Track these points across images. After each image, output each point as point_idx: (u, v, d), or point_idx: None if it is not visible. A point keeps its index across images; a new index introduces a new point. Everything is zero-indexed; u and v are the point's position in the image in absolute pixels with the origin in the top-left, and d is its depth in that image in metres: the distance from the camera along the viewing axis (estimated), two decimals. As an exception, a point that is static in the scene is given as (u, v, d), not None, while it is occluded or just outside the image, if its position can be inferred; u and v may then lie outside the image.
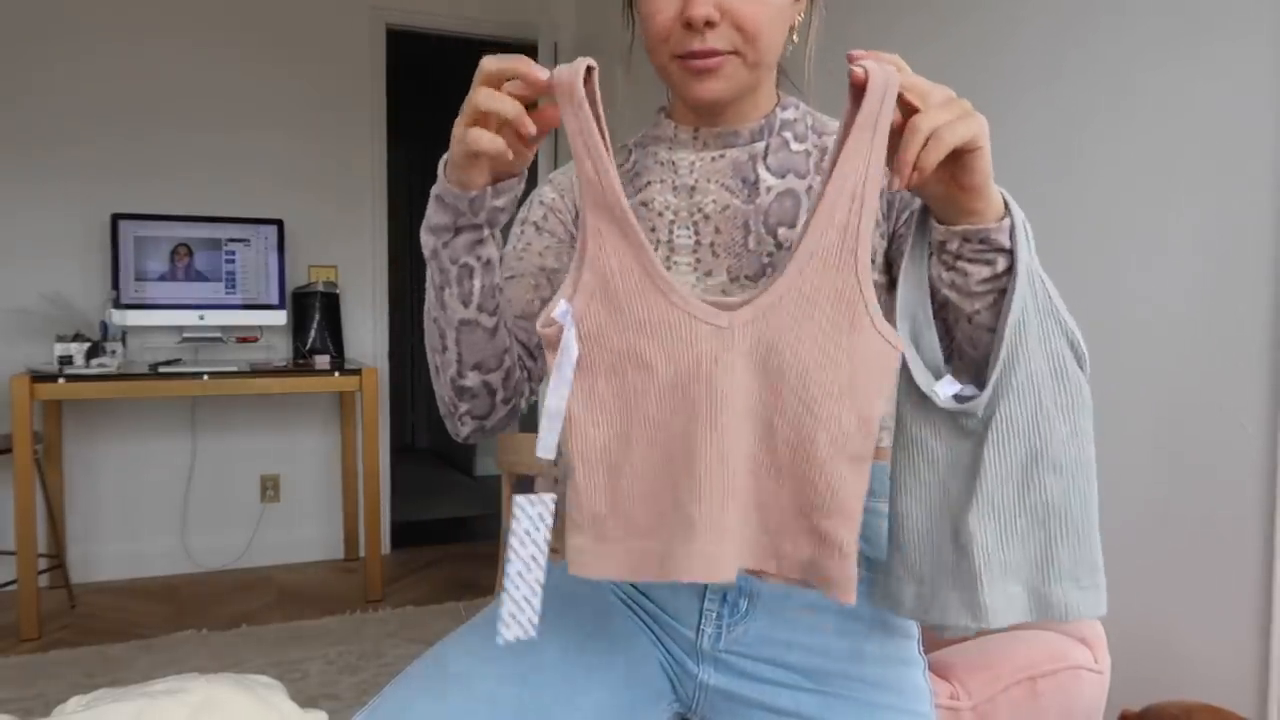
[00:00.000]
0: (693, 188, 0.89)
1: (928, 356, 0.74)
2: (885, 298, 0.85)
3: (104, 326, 3.19)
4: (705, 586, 0.86)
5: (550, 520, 0.70)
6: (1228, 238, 1.52)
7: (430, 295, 0.81)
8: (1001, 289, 0.71)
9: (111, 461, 3.47)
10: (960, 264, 0.71)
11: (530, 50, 3.73)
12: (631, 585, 0.92)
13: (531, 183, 3.66)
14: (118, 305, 3.20)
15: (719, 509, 0.67)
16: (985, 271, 0.70)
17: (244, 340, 3.50)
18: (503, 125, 0.69)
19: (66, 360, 2.97)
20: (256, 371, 3.15)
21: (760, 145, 0.89)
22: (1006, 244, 0.69)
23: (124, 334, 3.24)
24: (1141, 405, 1.67)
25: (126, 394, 2.98)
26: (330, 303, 3.51)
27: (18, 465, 2.78)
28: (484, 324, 0.80)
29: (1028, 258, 0.70)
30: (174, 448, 3.55)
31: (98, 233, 3.37)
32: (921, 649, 0.88)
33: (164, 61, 3.46)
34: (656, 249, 0.88)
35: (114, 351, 3.07)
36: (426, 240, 0.78)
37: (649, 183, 0.91)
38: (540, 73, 0.67)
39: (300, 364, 3.34)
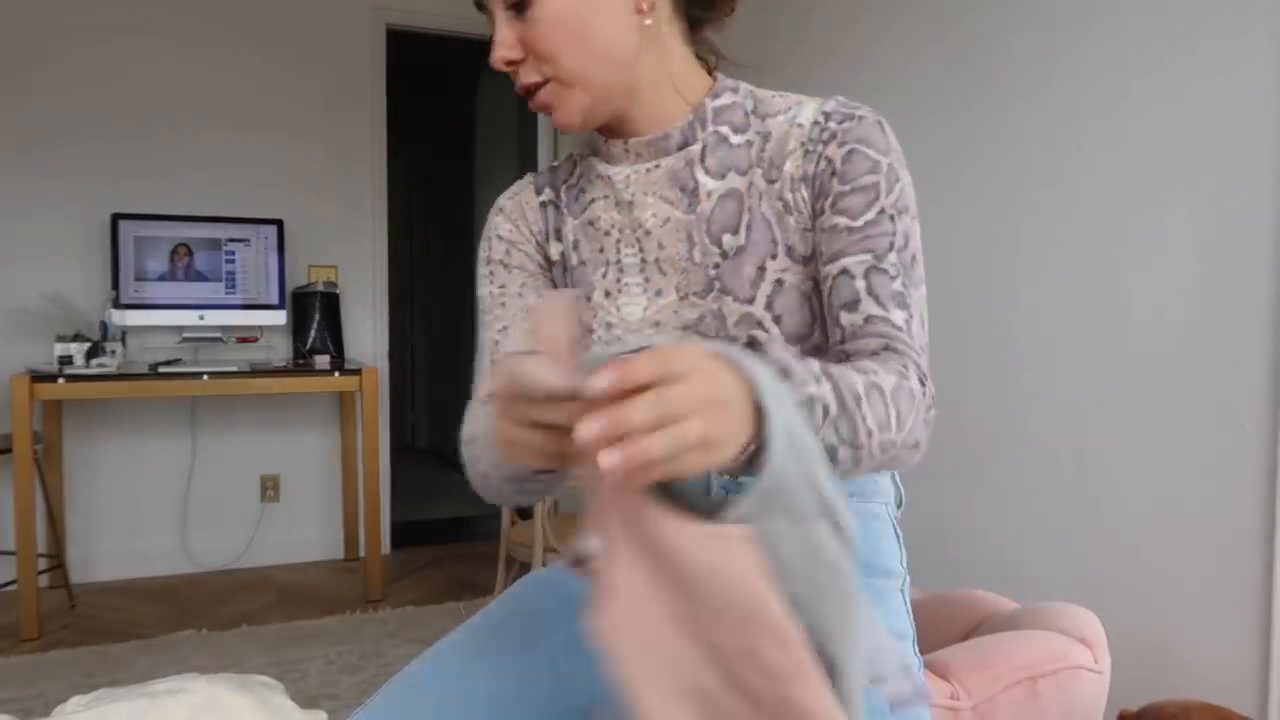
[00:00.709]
0: (631, 203, 0.85)
1: None
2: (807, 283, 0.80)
3: (104, 326, 3.19)
4: None
5: None
6: (1227, 238, 1.52)
7: (491, 476, 0.78)
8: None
9: (111, 461, 3.47)
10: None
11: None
12: None
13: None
14: (118, 305, 3.20)
15: None
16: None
17: (244, 340, 3.50)
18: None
19: (66, 360, 2.97)
20: (256, 371, 3.15)
21: (695, 148, 0.83)
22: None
23: (124, 334, 3.24)
24: (1141, 405, 1.67)
25: (126, 394, 2.97)
26: (330, 303, 3.51)
27: (17, 465, 2.78)
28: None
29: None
30: (174, 448, 3.55)
31: (98, 233, 3.37)
32: (916, 650, 0.87)
33: (164, 61, 3.46)
34: (606, 271, 0.86)
35: (114, 351, 3.07)
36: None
37: (593, 200, 0.88)
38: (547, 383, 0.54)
39: (300, 364, 3.34)
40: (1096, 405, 1.75)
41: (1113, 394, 1.72)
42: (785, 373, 0.61)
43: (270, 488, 3.69)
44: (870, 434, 0.66)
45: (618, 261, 0.85)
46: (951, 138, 2.09)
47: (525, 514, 3.12)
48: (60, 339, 3.02)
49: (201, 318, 3.32)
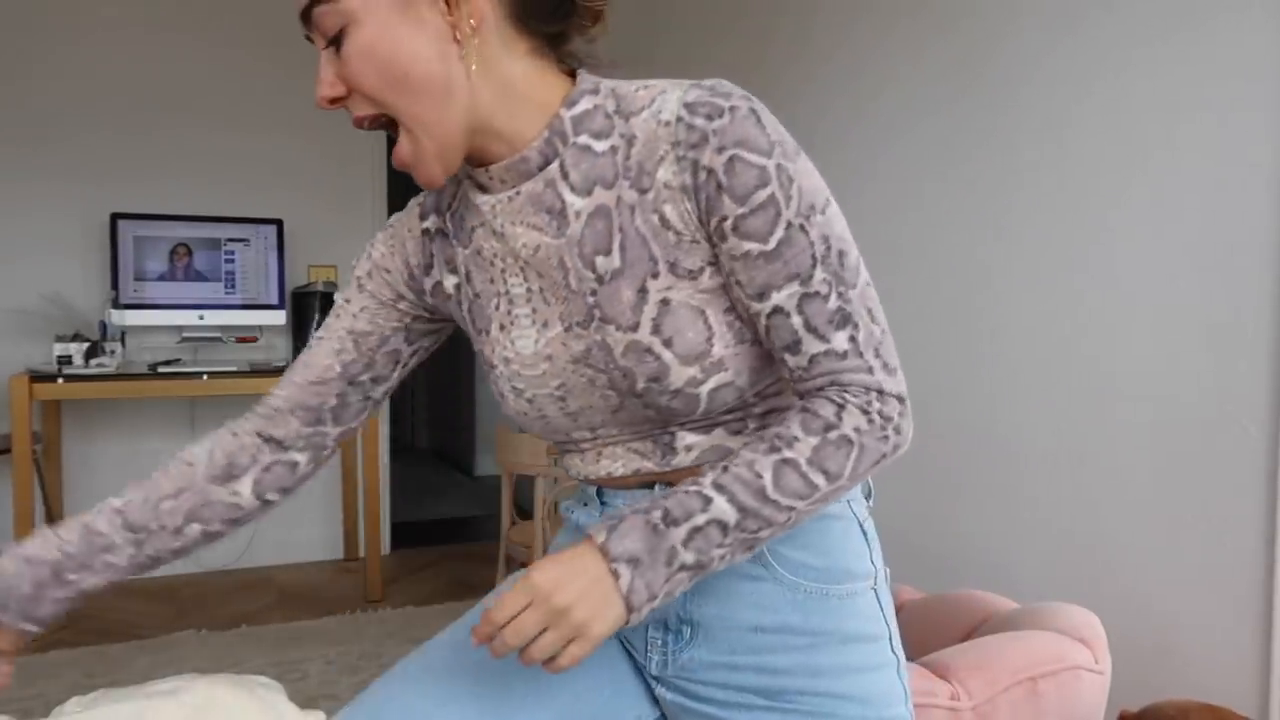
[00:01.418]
0: (502, 233, 0.79)
1: None
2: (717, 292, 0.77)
3: (103, 326, 3.19)
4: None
5: None
6: (1228, 238, 1.51)
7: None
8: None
9: (110, 461, 3.46)
10: None
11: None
12: None
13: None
14: (117, 305, 3.20)
15: None
16: None
17: (243, 340, 3.50)
18: None
19: (65, 360, 2.97)
20: (256, 371, 3.15)
21: (555, 166, 0.76)
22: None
23: (123, 334, 3.24)
24: (1142, 406, 1.67)
25: (125, 394, 2.97)
26: (330, 303, 3.51)
27: (17, 465, 2.77)
28: (141, 559, 0.88)
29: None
30: (173, 448, 3.55)
31: (97, 232, 3.37)
32: (896, 647, 0.85)
33: (164, 61, 3.45)
34: (499, 303, 0.82)
35: (113, 351, 3.07)
36: None
37: (474, 228, 0.82)
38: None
39: (300, 364, 3.33)
40: (1096, 405, 1.75)
41: (1113, 394, 1.72)
42: (663, 521, 0.70)
43: (270, 488, 3.68)
44: (789, 508, 0.72)
45: (506, 292, 0.81)
46: (950, 138, 2.09)
47: (525, 514, 3.11)
48: (59, 339, 3.02)
49: (201, 318, 3.31)
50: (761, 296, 0.73)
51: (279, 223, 3.44)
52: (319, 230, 3.69)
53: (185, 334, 3.39)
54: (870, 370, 0.73)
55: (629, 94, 0.76)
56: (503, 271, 0.81)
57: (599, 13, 0.79)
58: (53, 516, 3.15)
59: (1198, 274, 1.57)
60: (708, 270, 0.74)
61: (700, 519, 0.70)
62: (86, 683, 2.45)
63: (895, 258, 2.24)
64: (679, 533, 0.70)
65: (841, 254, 0.73)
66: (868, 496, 0.88)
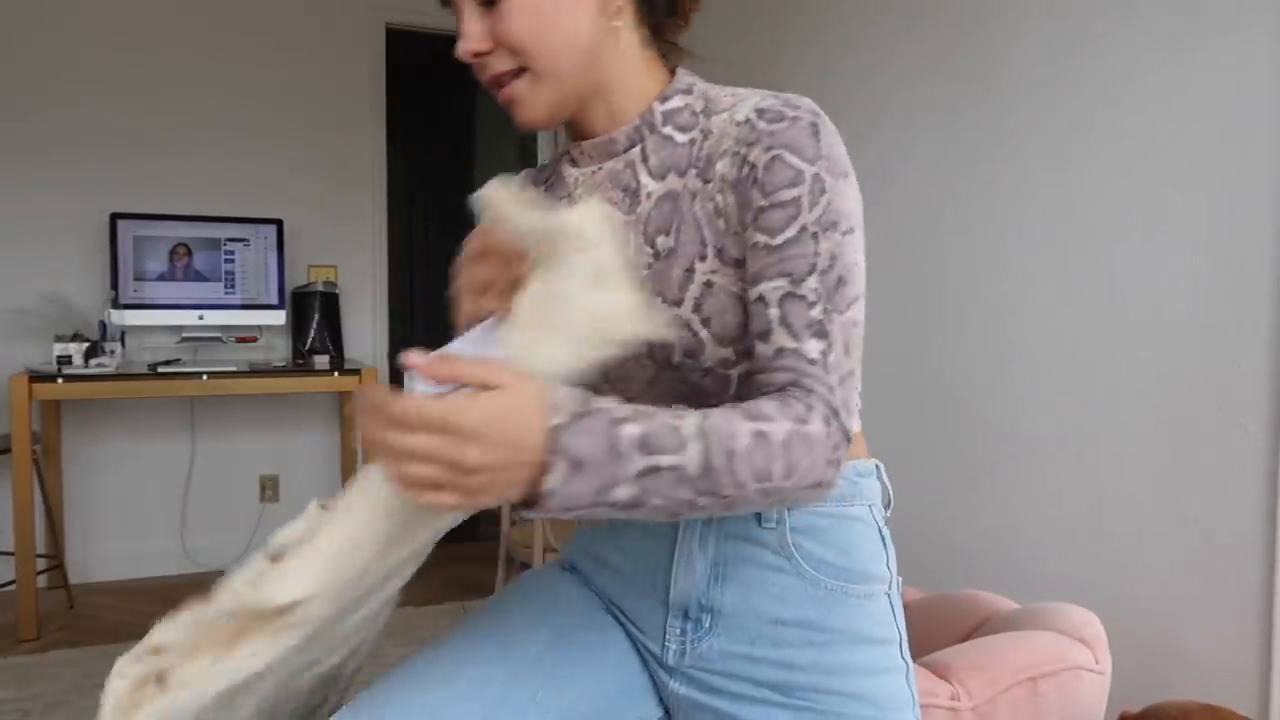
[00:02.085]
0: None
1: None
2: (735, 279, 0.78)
3: (103, 326, 3.19)
4: (668, 603, 0.85)
5: None
6: (1228, 238, 1.51)
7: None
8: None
9: (110, 461, 3.46)
10: None
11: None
12: (606, 595, 0.92)
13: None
14: (116, 305, 3.20)
15: None
16: None
17: (243, 340, 3.50)
18: None
19: (65, 360, 2.97)
20: (256, 371, 3.15)
21: (637, 150, 0.83)
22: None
23: (123, 334, 3.24)
24: (1142, 405, 1.67)
25: (125, 394, 2.97)
26: (330, 302, 3.51)
27: (16, 465, 2.77)
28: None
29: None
30: (173, 448, 3.55)
31: (97, 232, 3.37)
32: (906, 653, 0.85)
33: (163, 61, 3.45)
34: None
35: (113, 351, 3.07)
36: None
37: (560, 199, 0.89)
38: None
39: (299, 364, 3.33)
40: (1097, 405, 1.75)
41: (1113, 394, 1.72)
42: (632, 445, 0.64)
43: (269, 488, 3.68)
44: (741, 485, 0.66)
45: None
46: (955, 139, 2.09)
47: (525, 514, 3.10)
48: (59, 339, 3.02)
49: (201, 318, 3.31)
50: (754, 283, 0.74)
51: (279, 223, 3.44)
52: (319, 230, 3.69)
53: (185, 334, 3.39)
54: (832, 391, 0.71)
55: (717, 97, 0.83)
56: None
57: (688, 17, 0.87)
58: (52, 516, 3.15)
59: (1199, 275, 1.56)
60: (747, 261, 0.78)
61: (666, 460, 0.64)
62: (86, 683, 2.45)
63: (902, 259, 2.24)
64: (637, 464, 0.64)
65: (840, 280, 0.73)
66: (887, 506, 0.90)
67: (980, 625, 1.50)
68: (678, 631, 0.85)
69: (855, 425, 0.73)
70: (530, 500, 0.64)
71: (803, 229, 0.73)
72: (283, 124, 3.62)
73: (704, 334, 0.77)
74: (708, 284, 0.77)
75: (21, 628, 2.80)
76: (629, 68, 0.83)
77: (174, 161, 3.48)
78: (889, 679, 0.82)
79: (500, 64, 0.79)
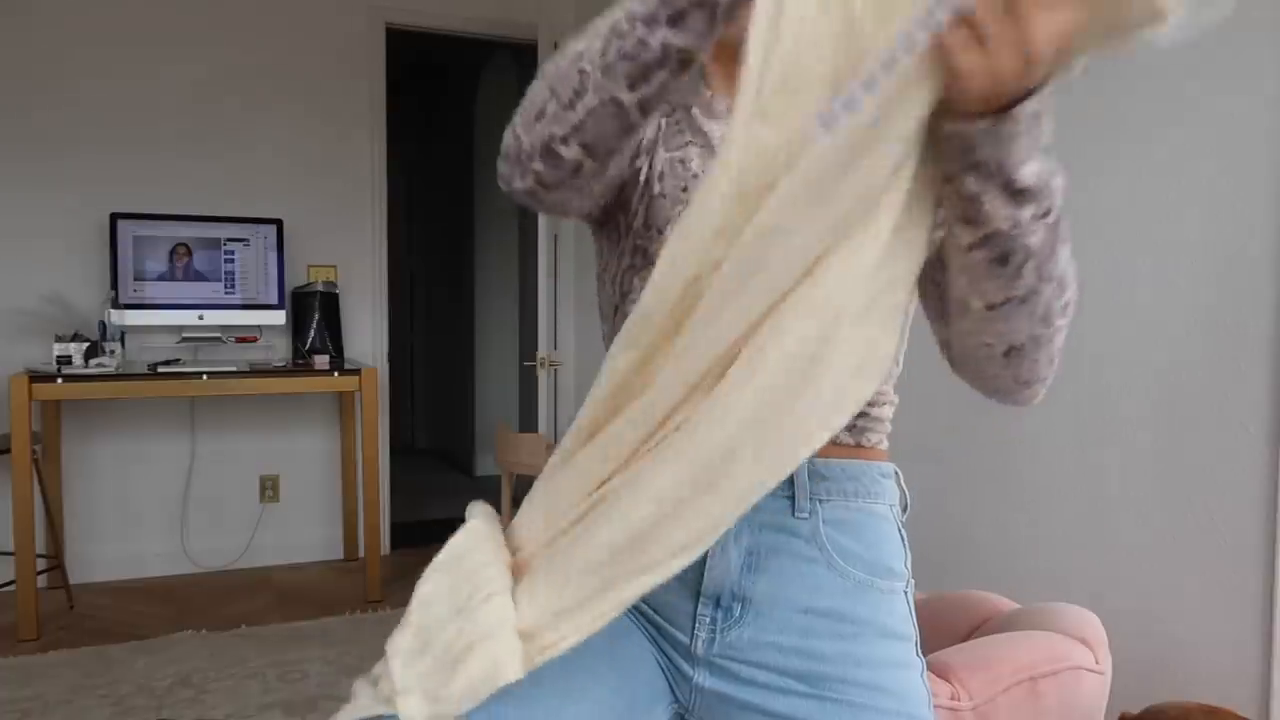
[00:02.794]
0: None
1: None
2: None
3: (103, 326, 3.19)
4: (698, 591, 0.85)
5: None
6: (1229, 240, 1.51)
7: (596, 46, 0.71)
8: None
9: (110, 462, 3.46)
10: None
11: (530, 49, 3.72)
12: None
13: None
14: (116, 305, 3.20)
15: None
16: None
17: (243, 340, 3.50)
18: None
19: (65, 360, 2.97)
20: (256, 371, 3.15)
21: None
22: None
23: (123, 334, 3.24)
24: (1143, 406, 1.67)
25: (125, 394, 2.97)
26: (330, 302, 3.51)
27: (16, 465, 2.77)
28: (631, 119, 0.73)
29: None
30: (173, 448, 3.55)
31: (97, 232, 3.37)
32: (920, 651, 0.87)
33: (163, 61, 3.45)
34: (683, 211, 0.84)
35: (113, 351, 3.07)
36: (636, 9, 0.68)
37: (689, 143, 0.89)
38: None
39: (300, 364, 3.33)
40: (1097, 405, 1.75)
41: (1114, 394, 1.72)
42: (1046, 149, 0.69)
43: (269, 488, 3.68)
44: (1063, 281, 0.72)
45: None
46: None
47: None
48: (59, 339, 3.02)
49: (201, 318, 3.31)
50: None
51: (279, 223, 3.44)
52: (319, 230, 3.69)
53: (185, 334, 3.39)
54: None
55: None
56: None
57: None
58: (52, 517, 3.15)
59: (1199, 274, 1.56)
60: None
61: (1057, 200, 0.71)
62: (86, 683, 2.45)
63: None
64: (1049, 200, 0.70)
65: None
66: (905, 509, 0.91)
67: (980, 625, 1.49)
68: (708, 620, 0.85)
69: None
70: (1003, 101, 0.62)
71: None
72: (283, 124, 3.62)
73: None
74: None
75: (21, 628, 2.80)
76: None
77: (174, 161, 3.48)
78: (910, 674, 0.84)
79: None
